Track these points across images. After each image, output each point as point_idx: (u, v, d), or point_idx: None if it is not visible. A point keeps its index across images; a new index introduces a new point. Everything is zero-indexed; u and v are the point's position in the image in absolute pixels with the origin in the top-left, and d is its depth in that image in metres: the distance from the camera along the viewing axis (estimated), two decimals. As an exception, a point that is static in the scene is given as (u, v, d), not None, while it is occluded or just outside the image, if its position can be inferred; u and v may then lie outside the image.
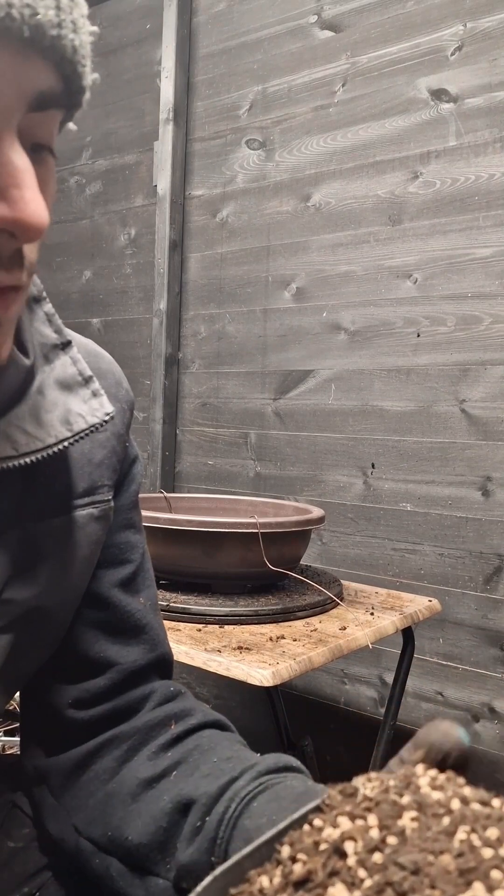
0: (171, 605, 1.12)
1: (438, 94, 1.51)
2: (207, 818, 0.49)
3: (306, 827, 0.36)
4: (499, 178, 1.44)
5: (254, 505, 1.43)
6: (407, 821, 0.34)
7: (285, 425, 1.75)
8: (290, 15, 1.74)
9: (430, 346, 1.53)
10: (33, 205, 0.35)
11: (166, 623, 1.09)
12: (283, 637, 1.04)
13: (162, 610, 1.12)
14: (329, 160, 1.67)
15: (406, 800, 0.35)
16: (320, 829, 0.35)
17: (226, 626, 1.09)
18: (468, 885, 0.30)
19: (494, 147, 1.45)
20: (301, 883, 0.33)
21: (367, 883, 0.31)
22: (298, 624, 1.12)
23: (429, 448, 1.53)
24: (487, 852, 0.31)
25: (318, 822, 0.36)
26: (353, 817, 0.35)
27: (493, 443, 1.45)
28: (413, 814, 0.34)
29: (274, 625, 1.11)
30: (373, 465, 1.61)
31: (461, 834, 0.32)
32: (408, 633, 1.31)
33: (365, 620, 1.16)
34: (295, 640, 1.04)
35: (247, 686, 0.93)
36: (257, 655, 0.96)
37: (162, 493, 1.49)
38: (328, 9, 1.67)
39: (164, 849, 0.51)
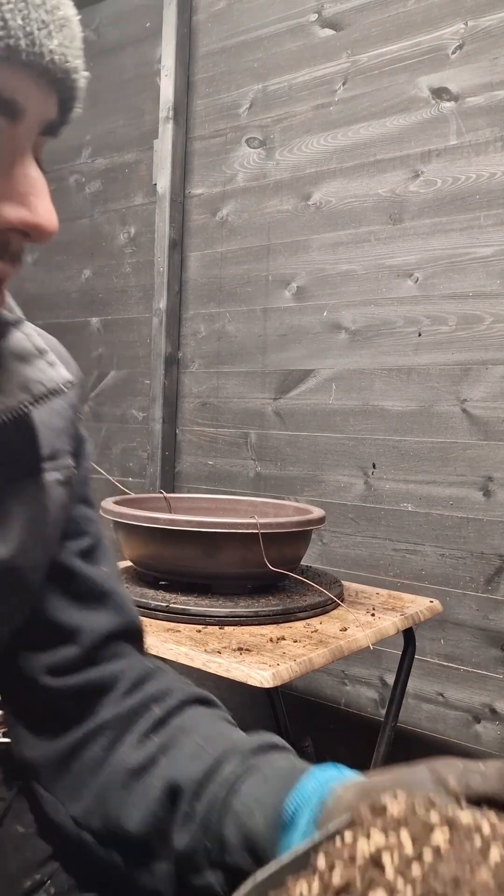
0: (171, 605, 1.11)
1: (439, 93, 1.51)
2: (197, 804, 0.51)
3: (339, 841, 0.38)
4: (500, 177, 1.43)
5: (254, 505, 1.43)
6: (440, 838, 0.36)
7: (285, 425, 1.75)
8: (290, 13, 1.74)
9: (431, 346, 1.52)
10: (50, 212, 0.44)
11: (166, 624, 1.09)
12: (283, 638, 1.04)
13: (162, 610, 1.11)
14: (329, 159, 1.67)
15: (435, 818, 0.38)
16: (353, 843, 0.37)
17: (226, 627, 1.08)
18: (501, 890, 0.32)
19: (495, 146, 1.44)
20: (339, 892, 0.35)
21: (409, 893, 0.33)
22: (299, 625, 1.12)
23: (430, 448, 1.53)
24: None
25: (349, 835, 0.38)
26: (385, 832, 0.38)
27: (495, 443, 1.45)
28: (446, 831, 0.37)
29: (274, 626, 1.10)
30: (373, 465, 1.61)
31: (494, 852, 0.35)
32: (409, 634, 1.31)
33: (366, 621, 1.16)
34: (295, 641, 1.03)
35: (247, 687, 0.92)
36: (257, 656, 0.96)
37: (162, 493, 1.48)
38: (328, 7, 1.67)
39: (162, 836, 0.53)
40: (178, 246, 1.93)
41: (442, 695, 1.52)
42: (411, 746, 1.55)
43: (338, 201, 1.66)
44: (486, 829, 0.37)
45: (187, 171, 1.93)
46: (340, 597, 1.24)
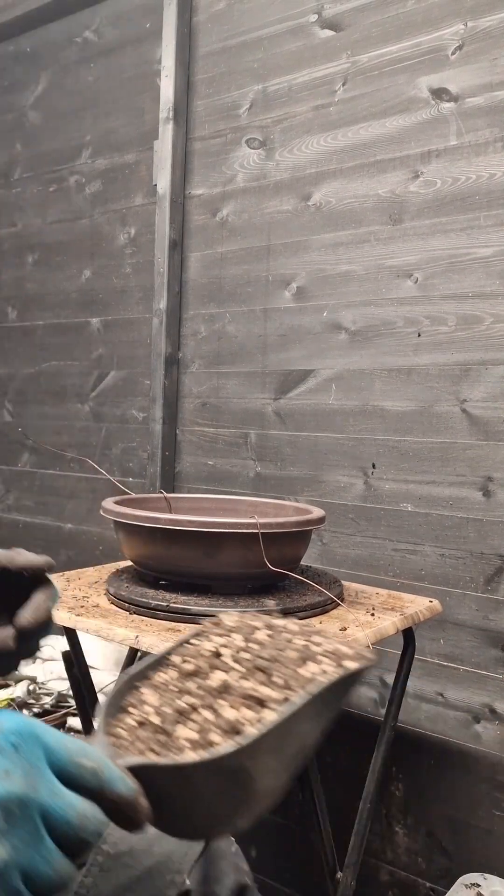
0: (172, 605, 1.12)
1: (439, 94, 1.51)
2: None
3: (188, 645, 0.54)
4: (500, 178, 1.44)
5: (254, 505, 1.43)
6: (262, 635, 0.53)
7: (285, 425, 1.75)
8: (290, 14, 1.74)
9: (431, 346, 1.53)
10: None
11: (166, 623, 1.09)
12: (283, 638, 1.04)
13: (162, 610, 1.11)
14: (329, 159, 1.67)
15: (258, 623, 0.55)
16: (199, 645, 0.53)
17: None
18: (305, 663, 0.48)
19: (495, 146, 1.44)
20: (190, 674, 0.50)
21: (240, 669, 0.49)
22: (299, 624, 1.12)
23: (429, 448, 1.53)
24: (318, 648, 0.50)
25: (196, 640, 0.55)
26: (222, 636, 0.54)
27: (494, 443, 1.45)
28: (267, 631, 0.54)
29: (274, 625, 1.10)
30: (373, 466, 1.61)
31: (299, 640, 0.52)
32: (408, 634, 1.31)
33: (365, 621, 1.16)
34: (295, 641, 1.03)
35: (247, 687, 0.92)
36: (258, 656, 0.96)
37: (162, 493, 1.48)
38: (328, 8, 1.67)
39: None
40: (178, 246, 1.93)
41: (442, 695, 1.52)
42: (411, 746, 1.55)
43: (338, 202, 1.66)
44: (294, 627, 0.55)
45: (187, 171, 1.94)
46: (340, 597, 1.24)
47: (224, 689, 0.47)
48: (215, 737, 0.44)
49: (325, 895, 1.33)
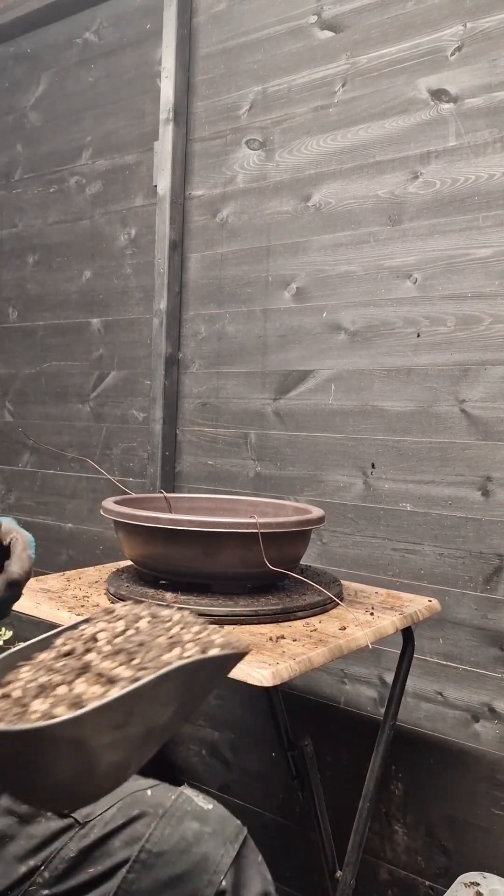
0: (172, 605, 1.12)
1: (438, 95, 1.51)
2: None
3: (75, 630, 0.58)
4: (499, 179, 1.44)
5: (254, 505, 1.43)
6: (143, 623, 0.56)
7: (285, 425, 1.76)
8: (290, 15, 1.74)
9: (430, 347, 1.53)
10: None
11: (166, 623, 1.10)
12: (282, 637, 1.04)
13: (162, 610, 1.12)
14: (329, 160, 1.67)
15: (144, 612, 0.59)
16: (84, 629, 0.57)
17: (226, 626, 1.09)
18: (171, 649, 0.51)
19: (494, 147, 1.45)
20: (65, 655, 0.53)
21: (107, 649, 0.52)
22: (298, 624, 1.12)
23: (429, 448, 1.53)
24: (188, 636, 0.53)
25: (84, 626, 0.59)
26: (108, 622, 0.58)
27: (493, 443, 1.45)
28: (148, 618, 0.57)
29: (274, 625, 1.11)
30: (373, 465, 1.61)
31: (174, 628, 0.55)
32: (408, 633, 1.32)
33: (365, 620, 1.16)
34: (295, 640, 1.04)
35: (247, 686, 0.93)
36: (257, 655, 0.96)
37: (162, 493, 1.49)
38: (328, 9, 1.68)
39: None
40: (178, 247, 1.94)
41: (441, 694, 1.52)
42: (410, 745, 1.55)
43: (337, 202, 1.66)
44: (177, 617, 0.58)
45: (187, 172, 1.94)
46: (340, 596, 1.25)
47: (84, 669, 0.50)
48: (60, 710, 0.47)
49: (325, 894, 1.33)
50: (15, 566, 0.69)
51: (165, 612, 0.59)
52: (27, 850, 0.83)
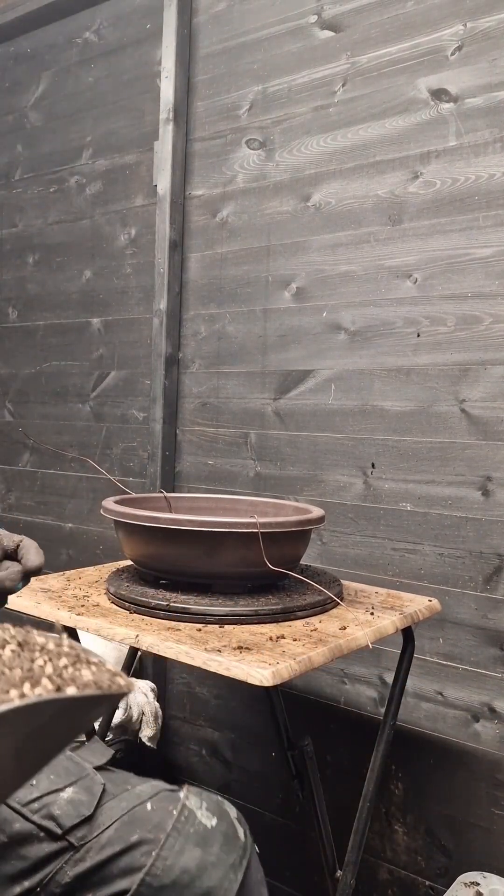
0: (172, 604, 1.12)
1: (438, 94, 1.51)
2: None
3: None
4: (499, 178, 1.44)
5: (254, 505, 1.43)
6: (7, 651, 0.50)
7: (285, 425, 1.76)
8: (290, 15, 1.74)
9: (431, 346, 1.53)
10: None
11: (166, 622, 1.10)
12: (283, 637, 1.04)
13: (162, 609, 1.12)
14: (329, 160, 1.67)
15: (15, 638, 0.52)
16: None
17: (226, 626, 1.09)
18: (22, 684, 0.44)
19: (494, 147, 1.45)
20: None
21: None
22: (298, 624, 1.12)
23: (429, 448, 1.53)
24: (50, 670, 0.47)
25: None
26: None
27: (493, 443, 1.45)
28: (14, 647, 0.50)
29: (274, 624, 1.11)
30: (373, 465, 1.61)
31: (39, 660, 0.48)
32: (408, 633, 1.31)
33: (365, 620, 1.16)
34: (295, 640, 1.04)
35: (247, 686, 0.93)
36: (257, 655, 0.96)
37: (162, 493, 1.49)
38: (328, 9, 1.68)
39: None
40: (178, 247, 1.94)
41: (441, 693, 1.52)
42: (411, 745, 1.55)
43: (337, 202, 1.66)
44: (51, 647, 0.51)
45: (187, 172, 1.94)
46: (340, 596, 1.25)
47: None
48: None
49: (325, 893, 1.33)
50: (34, 558, 0.76)
51: (40, 640, 0.52)
52: (20, 870, 0.81)
